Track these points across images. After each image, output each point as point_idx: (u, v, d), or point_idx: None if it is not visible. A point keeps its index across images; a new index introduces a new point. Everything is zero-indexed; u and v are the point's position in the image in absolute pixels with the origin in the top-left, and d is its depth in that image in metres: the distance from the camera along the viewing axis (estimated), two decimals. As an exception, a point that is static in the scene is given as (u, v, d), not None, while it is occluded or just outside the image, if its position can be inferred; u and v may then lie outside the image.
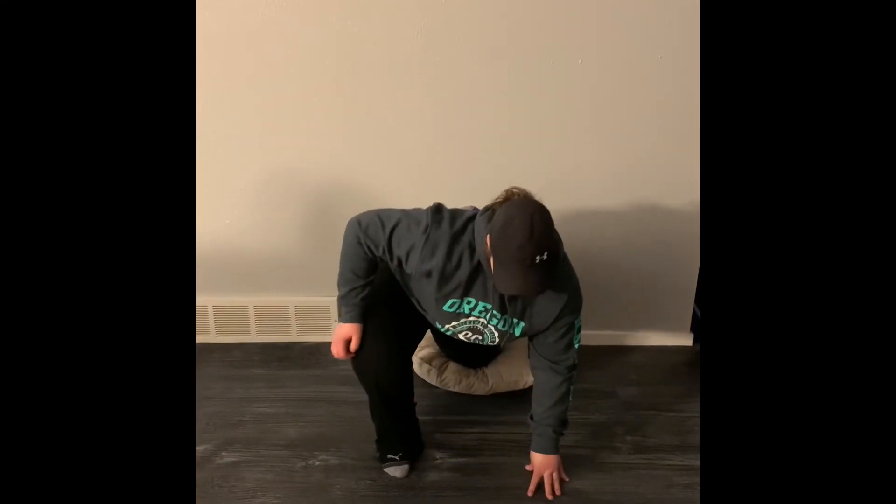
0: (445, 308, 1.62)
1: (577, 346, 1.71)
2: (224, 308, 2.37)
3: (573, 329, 1.68)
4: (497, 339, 1.68)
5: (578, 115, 2.08)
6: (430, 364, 2.14)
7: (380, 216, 1.60)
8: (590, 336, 2.43)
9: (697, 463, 1.88)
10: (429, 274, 1.55)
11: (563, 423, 1.76)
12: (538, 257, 1.38)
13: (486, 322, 1.64)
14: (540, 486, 1.77)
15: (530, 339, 1.73)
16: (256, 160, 2.16)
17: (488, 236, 1.47)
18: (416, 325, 1.79)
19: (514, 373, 2.12)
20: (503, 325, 1.64)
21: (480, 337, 1.68)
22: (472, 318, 1.63)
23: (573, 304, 1.64)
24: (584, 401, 2.13)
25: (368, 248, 1.61)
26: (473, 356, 2.13)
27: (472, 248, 1.54)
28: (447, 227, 1.55)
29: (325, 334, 2.41)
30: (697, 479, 1.82)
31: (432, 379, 2.15)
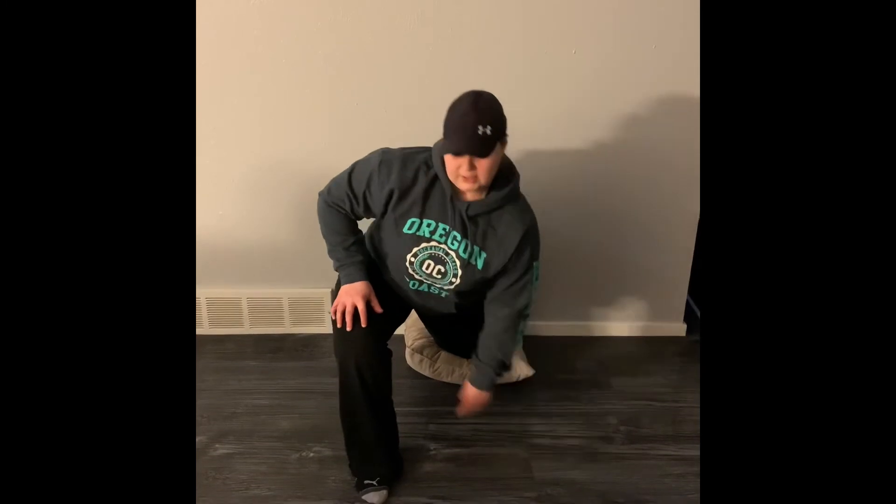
0: (405, 230, 1.64)
1: (533, 292, 1.75)
2: (217, 300, 2.36)
3: (531, 272, 1.71)
4: (459, 273, 1.68)
5: (573, 105, 2.07)
6: (422, 354, 2.14)
7: (335, 178, 1.69)
8: (583, 326, 2.44)
9: (691, 453, 1.89)
10: (391, 195, 1.60)
11: (503, 365, 1.80)
12: (480, 128, 1.44)
13: (447, 248, 1.65)
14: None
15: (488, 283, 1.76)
16: (250, 153, 2.15)
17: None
18: (392, 308, 1.77)
19: (507, 364, 2.12)
20: (464, 252, 1.65)
21: (443, 268, 1.68)
22: (433, 243, 1.65)
23: (533, 237, 1.68)
24: (577, 391, 2.14)
25: (337, 206, 1.69)
26: (464, 342, 2.12)
27: (428, 165, 1.60)
28: (398, 150, 1.64)
29: (319, 326, 2.40)
30: (691, 469, 1.83)
31: (425, 369, 2.14)
